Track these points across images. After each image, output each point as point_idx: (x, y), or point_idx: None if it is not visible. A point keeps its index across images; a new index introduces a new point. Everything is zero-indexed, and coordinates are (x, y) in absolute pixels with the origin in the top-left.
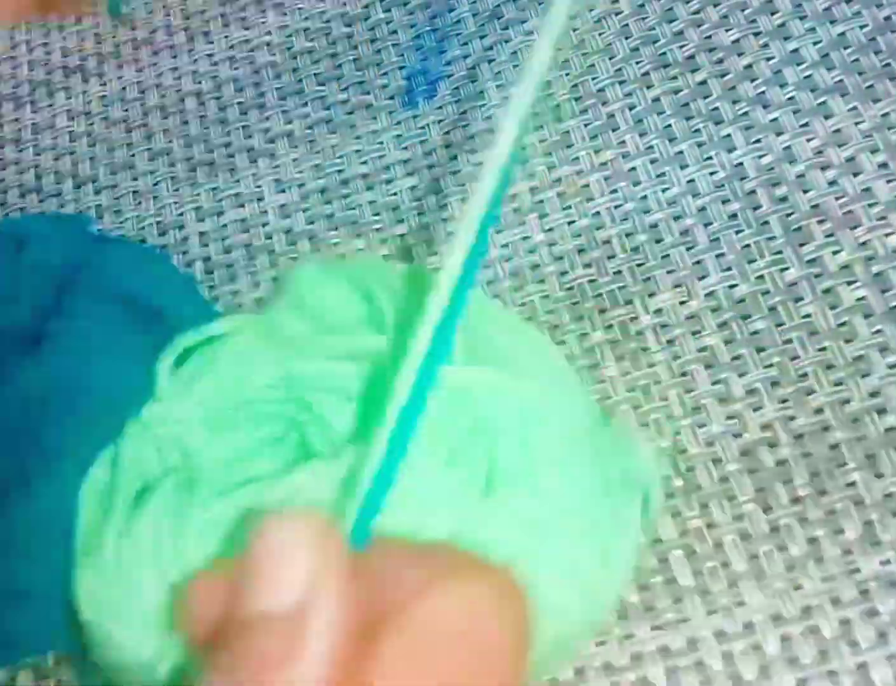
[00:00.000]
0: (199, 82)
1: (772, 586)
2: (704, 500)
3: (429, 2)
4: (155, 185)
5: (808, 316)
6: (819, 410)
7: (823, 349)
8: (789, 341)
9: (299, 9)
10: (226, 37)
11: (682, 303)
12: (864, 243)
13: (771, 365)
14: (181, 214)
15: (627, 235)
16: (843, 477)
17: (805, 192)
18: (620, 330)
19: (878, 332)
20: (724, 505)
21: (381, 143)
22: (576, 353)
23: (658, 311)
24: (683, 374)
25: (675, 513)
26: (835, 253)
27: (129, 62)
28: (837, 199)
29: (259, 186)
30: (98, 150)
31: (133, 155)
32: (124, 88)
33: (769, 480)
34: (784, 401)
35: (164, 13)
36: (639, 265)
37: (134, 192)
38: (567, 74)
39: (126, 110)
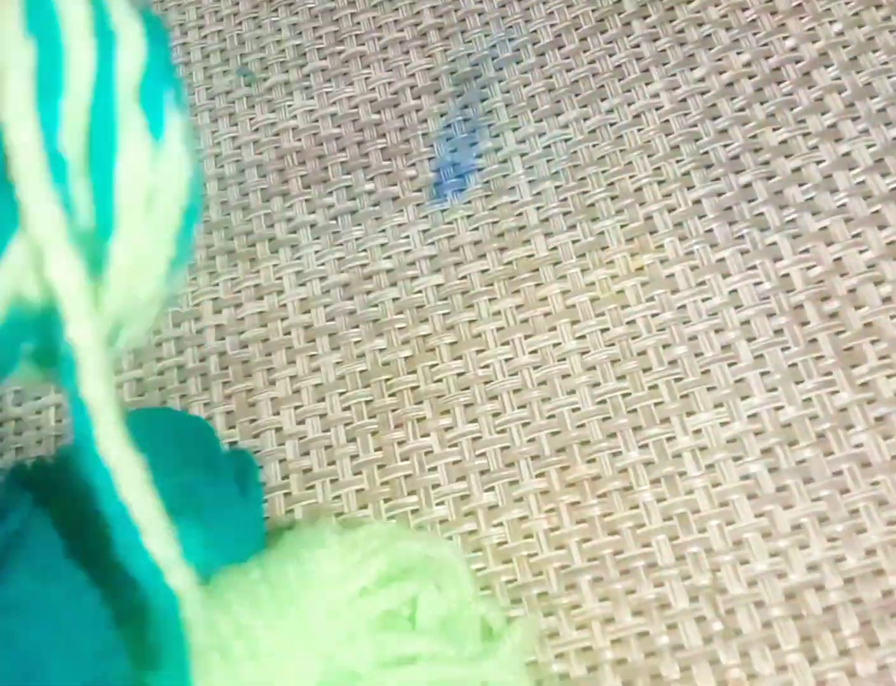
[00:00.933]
0: (222, 166)
1: None
2: (745, 647)
3: (461, 90)
4: None
5: (859, 445)
6: (871, 551)
7: (876, 483)
8: (839, 473)
9: (327, 93)
10: (251, 119)
11: (723, 424)
12: None
13: (819, 498)
14: (198, 305)
15: (664, 347)
16: None
17: (857, 308)
18: (656, 451)
19: None
20: (767, 654)
21: (407, 237)
22: (607, 473)
23: (697, 432)
24: (724, 504)
25: (712, 659)
26: (889, 377)
27: None
28: (892, 317)
29: (279, 278)
30: None
31: None
32: None
33: (816, 628)
34: (833, 539)
35: (189, 92)
36: (677, 380)
37: None
38: (603, 171)
39: None
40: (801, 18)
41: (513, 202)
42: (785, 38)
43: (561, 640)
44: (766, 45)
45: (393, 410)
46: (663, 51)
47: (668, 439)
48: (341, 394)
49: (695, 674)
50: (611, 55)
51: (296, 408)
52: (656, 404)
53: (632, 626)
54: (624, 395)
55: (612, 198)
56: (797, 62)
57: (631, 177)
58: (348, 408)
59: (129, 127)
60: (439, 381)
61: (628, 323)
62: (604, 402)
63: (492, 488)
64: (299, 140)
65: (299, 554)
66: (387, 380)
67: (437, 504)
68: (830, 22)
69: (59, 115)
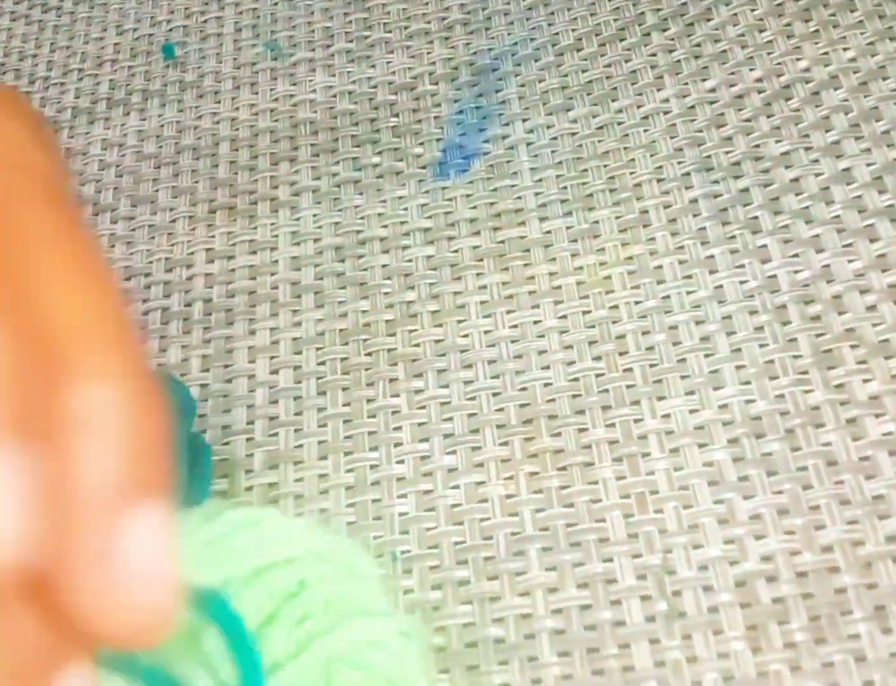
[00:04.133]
0: (237, 129)
1: None
2: (688, 630)
3: (478, 80)
4: (172, 221)
5: (828, 444)
6: (828, 548)
7: (841, 482)
8: (804, 468)
9: (348, 72)
10: (271, 89)
11: (692, 411)
12: None
13: (781, 491)
14: (192, 253)
15: (644, 333)
16: (846, 626)
17: (840, 313)
18: (622, 430)
19: None
20: (710, 639)
21: (406, 209)
22: (570, 448)
23: (665, 417)
24: (683, 488)
25: (652, 639)
26: (865, 381)
27: (171, 102)
28: (874, 325)
29: (275, 236)
30: (124, 181)
31: (157, 190)
32: (162, 126)
33: (763, 618)
34: (790, 532)
35: (216, 60)
36: (652, 366)
37: (150, 225)
38: (605, 165)
39: (160, 147)
40: (817, 43)
41: (513, 186)
42: (798, 59)
43: (501, 605)
44: (779, 64)
45: (367, 369)
46: (678, 61)
47: (636, 421)
48: (318, 349)
49: (633, 651)
50: (627, 61)
51: (272, 358)
52: (628, 386)
53: (575, 597)
54: (598, 375)
55: (611, 190)
56: (807, 82)
57: (632, 173)
58: (323, 363)
59: None
60: (417, 345)
61: (611, 307)
62: (576, 379)
63: (454, 451)
64: (315, 112)
65: None
66: (365, 340)
67: (398, 462)
68: (844, 49)
69: None
